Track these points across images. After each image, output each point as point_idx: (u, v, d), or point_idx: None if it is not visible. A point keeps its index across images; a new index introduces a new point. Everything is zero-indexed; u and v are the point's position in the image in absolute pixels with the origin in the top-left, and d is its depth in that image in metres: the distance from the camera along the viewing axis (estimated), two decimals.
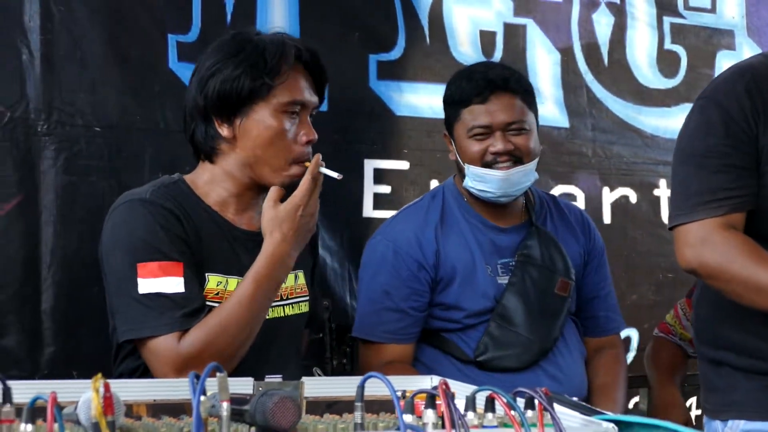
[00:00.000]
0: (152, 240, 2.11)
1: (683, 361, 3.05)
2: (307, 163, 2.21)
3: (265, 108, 2.20)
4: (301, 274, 2.34)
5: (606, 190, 3.77)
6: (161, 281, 2.09)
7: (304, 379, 1.61)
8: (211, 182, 2.25)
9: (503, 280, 2.73)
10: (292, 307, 2.31)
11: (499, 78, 2.71)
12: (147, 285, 2.08)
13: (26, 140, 2.81)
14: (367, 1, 3.32)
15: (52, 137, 2.84)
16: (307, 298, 2.35)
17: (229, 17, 3.07)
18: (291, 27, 3.16)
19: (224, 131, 2.21)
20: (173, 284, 2.10)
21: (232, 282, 2.18)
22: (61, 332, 2.81)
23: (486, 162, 2.67)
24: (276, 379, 1.58)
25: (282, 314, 2.27)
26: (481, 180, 2.69)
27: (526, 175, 2.70)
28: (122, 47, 2.95)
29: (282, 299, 2.27)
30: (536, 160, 2.73)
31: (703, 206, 2.20)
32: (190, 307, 2.10)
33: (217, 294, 2.17)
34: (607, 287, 2.93)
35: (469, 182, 2.71)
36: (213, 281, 2.17)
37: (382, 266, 2.69)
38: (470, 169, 2.69)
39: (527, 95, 2.74)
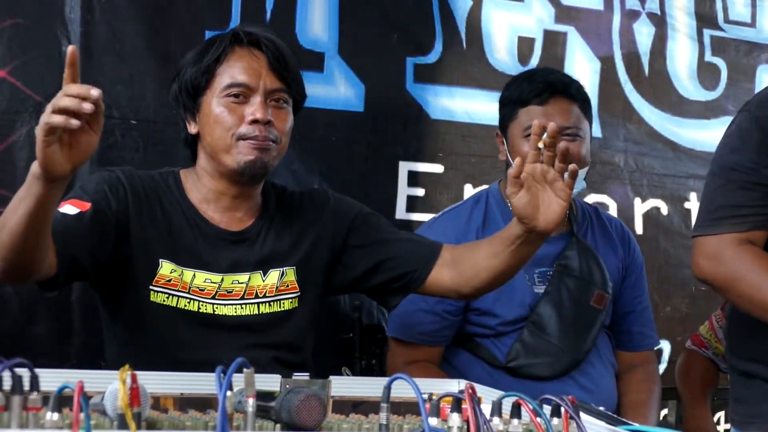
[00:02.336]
0: (87, 188, 2.21)
1: (715, 376, 3.02)
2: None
3: (211, 96, 2.27)
4: (290, 271, 2.33)
5: (637, 201, 3.75)
6: (66, 207, 2.14)
7: (332, 378, 1.61)
8: (196, 180, 2.34)
9: (539, 289, 2.73)
10: (270, 305, 2.30)
11: (560, 83, 2.75)
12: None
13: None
14: (405, 3, 3.31)
15: None
16: (295, 295, 2.34)
17: (268, 14, 3.07)
18: (330, 27, 3.16)
19: (192, 128, 2.32)
20: (69, 209, 2.13)
21: (188, 273, 2.24)
22: (90, 322, 2.81)
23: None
24: (303, 377, 1.58)
25: (256, 312, 2.29)
26: None
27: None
28: (161, 41, 2.96)
29: (257, 296, 2.28)
30: (586, 169, 2.74)
31: (724, 221, 2.21)
32: (64, 227, 2.08)
33: (170, 281, 2.23)
34: (644, 302, 2.93)
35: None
36: (166, 268, 2.23)
37: None
38: None
39: (585, 104, 2.77)
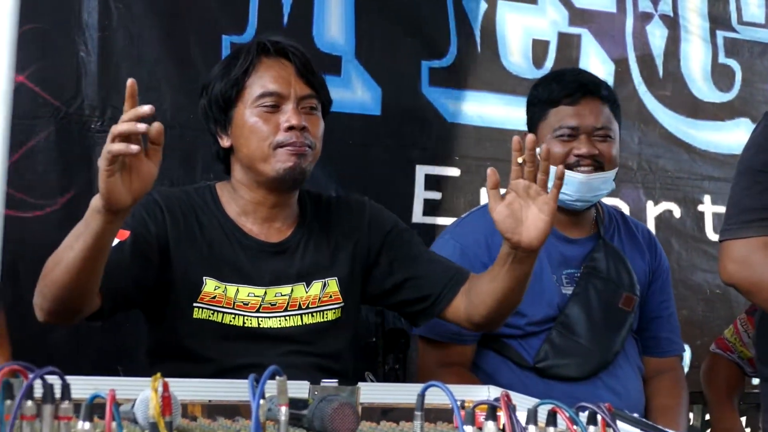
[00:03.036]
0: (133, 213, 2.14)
1: (741, 380, 2.99)
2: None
3: (243, 107, 2.26)
4: (332, 281, 2.31)
5: (650, 204, 3.71)
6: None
7: (360, 384, 1.58)
8: (233, 193, 2.32)
9: (567, 290, 2.71)
10: (312, 316, 2.29)
11: (591, 83, 2.74)
12: None
13: (80, 136, 2.80)
14: (421, 7, 3.29)
15: (106, 134, 2.78)
16: (339, 305, 2.31)
17: (285, 19, 3.05)
18: (346, 31, 3.14)
19: (224, 142, 2.30)
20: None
21: (231, 289, 2.22)
22: (107, 327, 2.78)
23: (568, 164, 2.65)
24: (332, 383, 1.55)
25: (299, 323, 2.27)
26: None
27: (605, 182, 2.69)
28: (178, 47, 2.94)
29: (300, 308, 2.26)
30: (615, 170, 2.72)
31: (753, 224, 2.19)
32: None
33: (214, 298, 2.21)
34: (671, 308, 2.91)
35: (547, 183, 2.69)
36: (210, 285, 2.21)
37: None
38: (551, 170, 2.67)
39: (614, 105, 2.75)
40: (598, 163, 2.66)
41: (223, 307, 2.22)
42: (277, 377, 1.29)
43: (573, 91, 2.68)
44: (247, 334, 2.22)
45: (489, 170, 2.08)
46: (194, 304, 2.21)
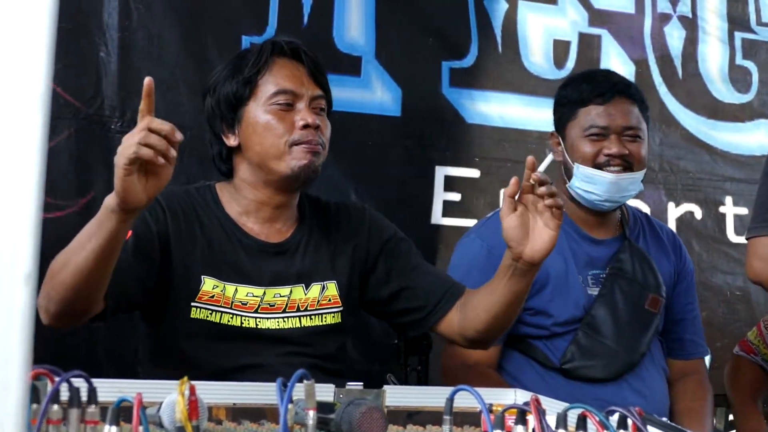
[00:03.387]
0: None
1: (765, 382, 2.96)
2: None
3: (255, 106, 2.24)
4: (332, 285, 2.29)
5: (671, 205, 3.68)
6: None
7: (386, 387, 1.56)
8: (234, 194, 2.29)
9: (593, 291, 2.69)
10: (311, 319, 2.26)
11: (622, 83, 2.72)
12: None
13: (100, 137, 2.78)
14: (442, 7, 3.25)
15: (125, 135, 2.80)
16: (338, 309, 2.28)
17: (305, 19, 3.02)
18: (367, 31, 3.12)
19: (231, 141, 2.27)
20: None
21: (230, 288, 2.19)
22: (125, 329, 2.77)
23: (598, 163, 2.64)
24: (357, 386, 1.52)
25: (298, 325, 2.24)
26: (589, 181, 2.64)
27: (633, 183, 2.67)
28: (198, 47, 2.91)
29: (298, 310, 2.24)
30: (644, 171, 2.69)
31: None
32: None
33: (212, 297, 2.18)
34: (695, 310, 2.88)
35: (575, 183, 2.66)
36: (208, 284, 2.19)
37: (475, 265, 2.62)
38: (580, 169, 2.65)
39: (644, 106, 2.73)
40: (627, 164, 2.64)
41: (221, 306, 2.19)
42: (305, 381, 1.26)
43: (604, 91, 2.66)
44: (245, 335, 2.19)
45: (513, 179, 2.06)
46: (192, 304, 2.17)
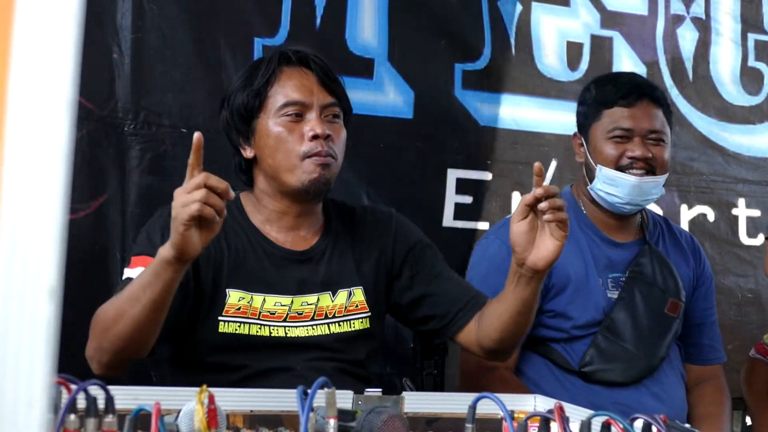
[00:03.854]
0: (150, 237, 2.16)
1: None
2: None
3: (266, 117, 2.22)
4: (358, 291, 2.26)
5: (684, 207, 3.64)
6: (136, 270, 2.09)
7: (405, 394, 1.52)
8: (256, 203, 2.28)
9: (613, 294, 2.66)
10: (339, 325, 2.23)
11: (647, 86, 2.69)
12: (128, 273, 2.12)
13: (113, 139, 2.75)
14: (455, 9, 3.21)
15: (139, 137, 2.78)
16: (365, 315, 2.26)
17: (318, 21, 2.99)
18: (379, 34, 3.08)
19: (248, 153, 2.26)
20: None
21: (257, 299, 2.17)
22: None
23: (620, 166, 2.61)
24: (376, 392, 1.49)
25: (327, 332, 2.21)
26: (611, 183, 2.61)
27: (656, 186, 2.64)
28: (211, 49, 2.88)
29: (326, 317, 2.21)
30: (666, 176, 2.67)
31: None
32: None
33: (239, 309, 2.16)
34: (713, 316, 2.86)
35: (597, 184, 2.63)
36: (234, 297, 2.17)
37: (494, 266, 2.58)
38: (602, 171, 2.62)
39: (668, 110, 2.70)
40: (650, 167, 2.61)
41: (248, 318, 2.17)
42: (326, 389, 1.23)
43: (628, 93, 2.62)
44: (275, 344, 2.17)
45: (538, 189, 1.99)
46: (219, 318, 2.16)
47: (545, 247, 2.02)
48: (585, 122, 2.69)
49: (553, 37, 3.39)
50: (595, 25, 3.48)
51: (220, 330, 2.15)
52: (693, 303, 2.79)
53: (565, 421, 1.26)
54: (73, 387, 1.09)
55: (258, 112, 2.22)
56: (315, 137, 2.17)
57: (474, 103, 3.24)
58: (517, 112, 3.29)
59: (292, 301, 2.19)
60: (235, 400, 1.51)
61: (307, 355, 2.17)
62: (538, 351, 2.65)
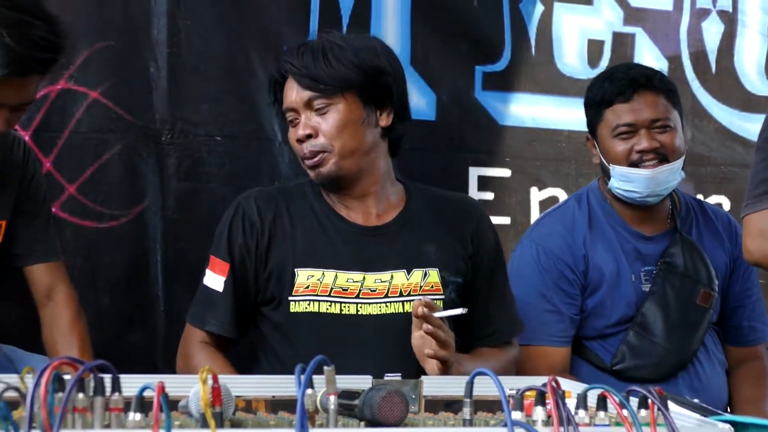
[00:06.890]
0: (220, 237, 2.23)
1: None
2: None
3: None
4: (434, 272, 2.21)
5: (700, 197, 3.59)
6: (210, 275, 2.20)
7: (423, 378, 1.54)
8: None
9: (646, 287, 2.61)
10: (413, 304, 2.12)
11: (642, 76, 2.62)
12: (206, 276, 2.22)
13: (152, 149, 2.80)
14: (477, 12, 3.20)
15: (175, 146, 2.82)
16: (439, 297, 2.19)
17: (344, 28, 3.00)
18: (402, 36, 3.09)
19: None
20: (216, 281, 2.19)
21: (329, 275, 2.15)
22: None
23: (632, 161, 2.57)
24: (395, 377, 1.51)
25: (401, 310, 2.17)
26: (627, 180, 2.58)
27: (672, 173, 2.58)
28: (243, 59, 2.91)
29: (401, 294, 2.17)
30: (682, 159, 2.61)
31: (766, 195, 2.04)
32: (218, 309, 2.18)
33: (308, 287, 2.14)
34: (755, 296, 2.75)
35: (614, 183, 2.60)
36: (303, 275, 2.16)
37: (535, 269, 2.58)
38: (616, 170, 2.59)
39: (671, 93, 2.64)
40: (662, 156, 2.56)
41: (318, 295, 2.15)
42: (326, 367, 1.25)
43: (624, 88, 2.58)
44: (346, 322, 2.14)
45: (416, 301, 2.03)
46: (290, 298, 2.16)
47: (429, 364, 2.03)
48: (592, 124, 2.66)
49: (575, 35, 3.37)
50: (618, 22, 3.45)
51: (291, 310, 2.15)
52: (731, 286, 2.71)
53: (558, 394, 1.25)
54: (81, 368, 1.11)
55: (283, 117, 2.31)
56: (298, 141, 2.20)
57: (493, 104, 3.23)
58: (535, 110, 3.28)
59: (365, 278, 2.17)
60: (256, 385, 1.52)
61: (379, 333, 2.14)
62: (574, 350, 2.62)
